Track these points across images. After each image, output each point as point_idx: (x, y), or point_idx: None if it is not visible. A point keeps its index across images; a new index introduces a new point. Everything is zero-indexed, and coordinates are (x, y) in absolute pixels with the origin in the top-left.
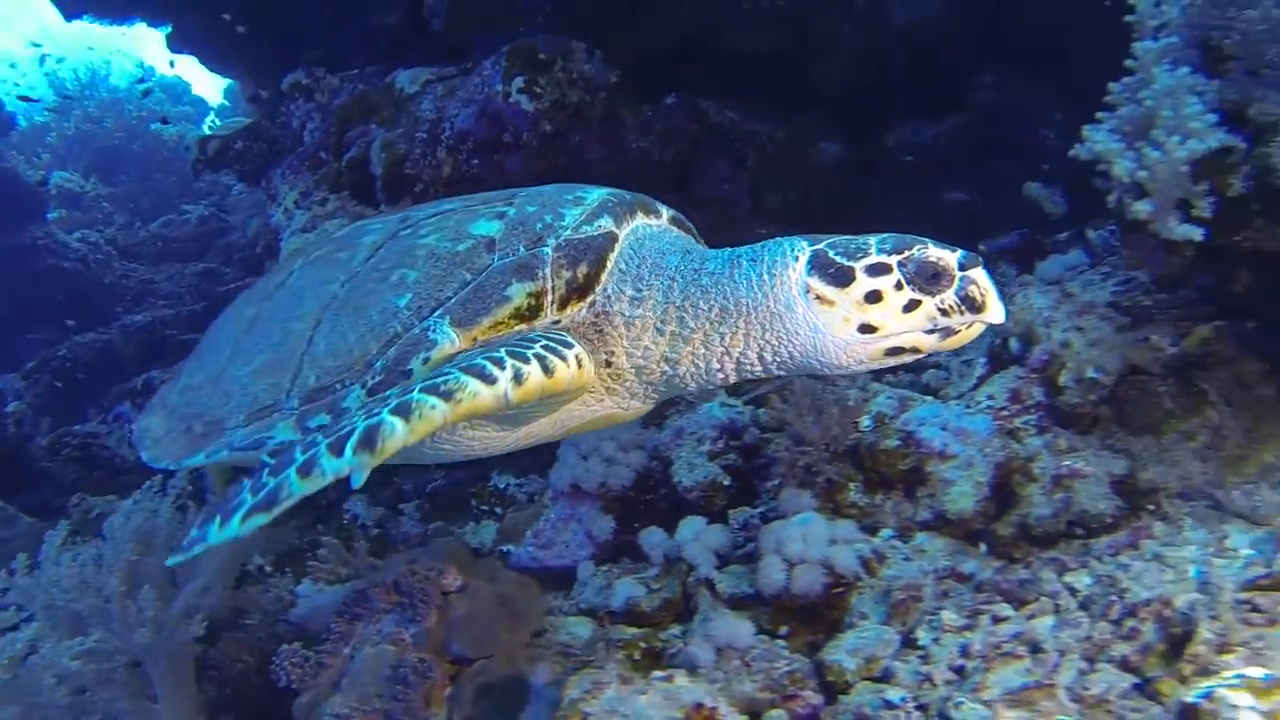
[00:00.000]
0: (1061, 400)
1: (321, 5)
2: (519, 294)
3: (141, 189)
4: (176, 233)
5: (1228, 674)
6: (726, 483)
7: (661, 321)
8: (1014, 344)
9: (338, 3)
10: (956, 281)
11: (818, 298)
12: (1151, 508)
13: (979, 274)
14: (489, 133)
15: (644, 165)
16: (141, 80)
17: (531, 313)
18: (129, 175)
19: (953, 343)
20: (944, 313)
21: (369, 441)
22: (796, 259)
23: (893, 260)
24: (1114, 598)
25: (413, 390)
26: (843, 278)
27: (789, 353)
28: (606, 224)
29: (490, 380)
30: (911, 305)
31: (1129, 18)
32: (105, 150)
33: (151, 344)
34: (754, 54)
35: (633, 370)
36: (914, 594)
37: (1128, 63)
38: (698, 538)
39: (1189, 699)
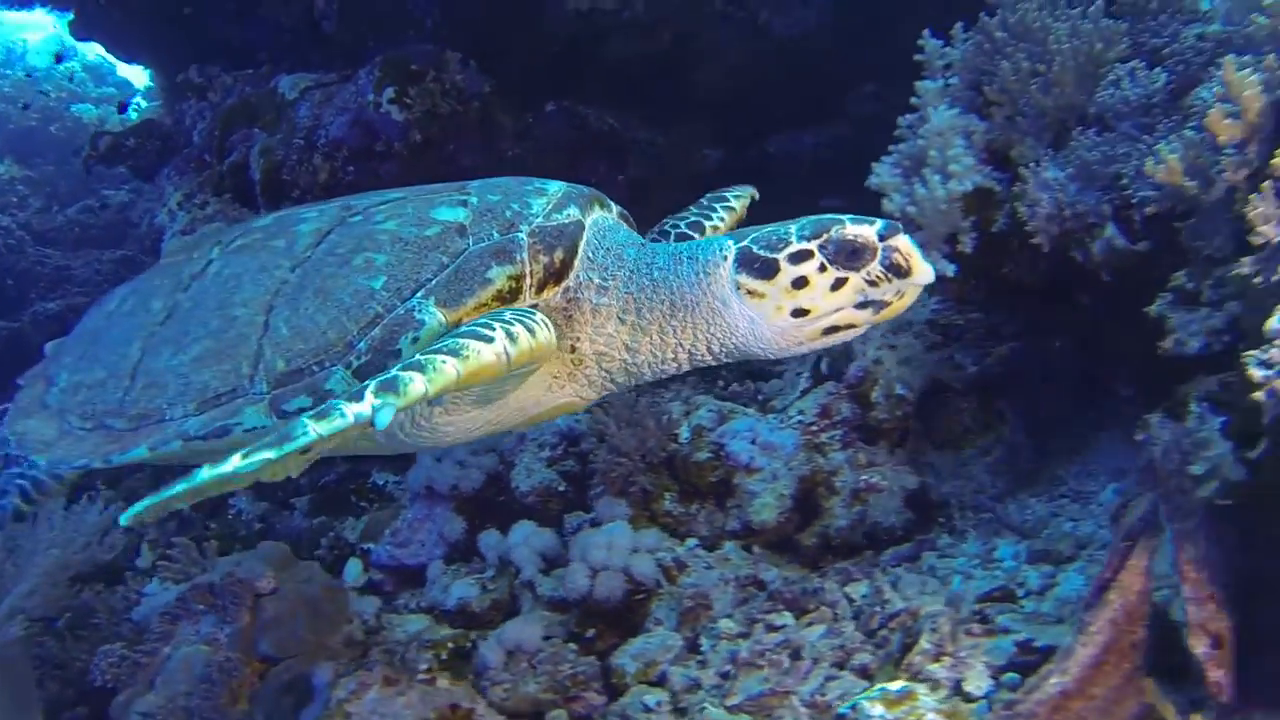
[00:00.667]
0: (871, 416)
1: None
2: (500, 276)
3: (60, 173)
4: (95, 219)
5: (875, 687)
6: (562, 488)
7: (623, 311)
8: (832, 362)
9: None
10: (879, 252)
11: (749, 292)
12: (943, 520)
13: (900, 241)
14: (362, 141)
15: (520, 173)
16: (60, 59)
17: (511, 295)
18: (46, 158)
19: (889, 313)
20: (872, 284)
21: (391, 386)
22: (724, 258)
23: (813, 245)
24: (878, 608)
25: (415, 357)
26: (768, 270)
27: (734, 343)
28: (574, 213)
29: (488, 340)
30: (838, 284)
31: (917, 57)
32: (21, 132)
33: (62, 333)
34: (635, 62)
35: (594, 356)
36: (703, 602)
37: (913, 99)
38: (525, 541)
39: (840, 710)
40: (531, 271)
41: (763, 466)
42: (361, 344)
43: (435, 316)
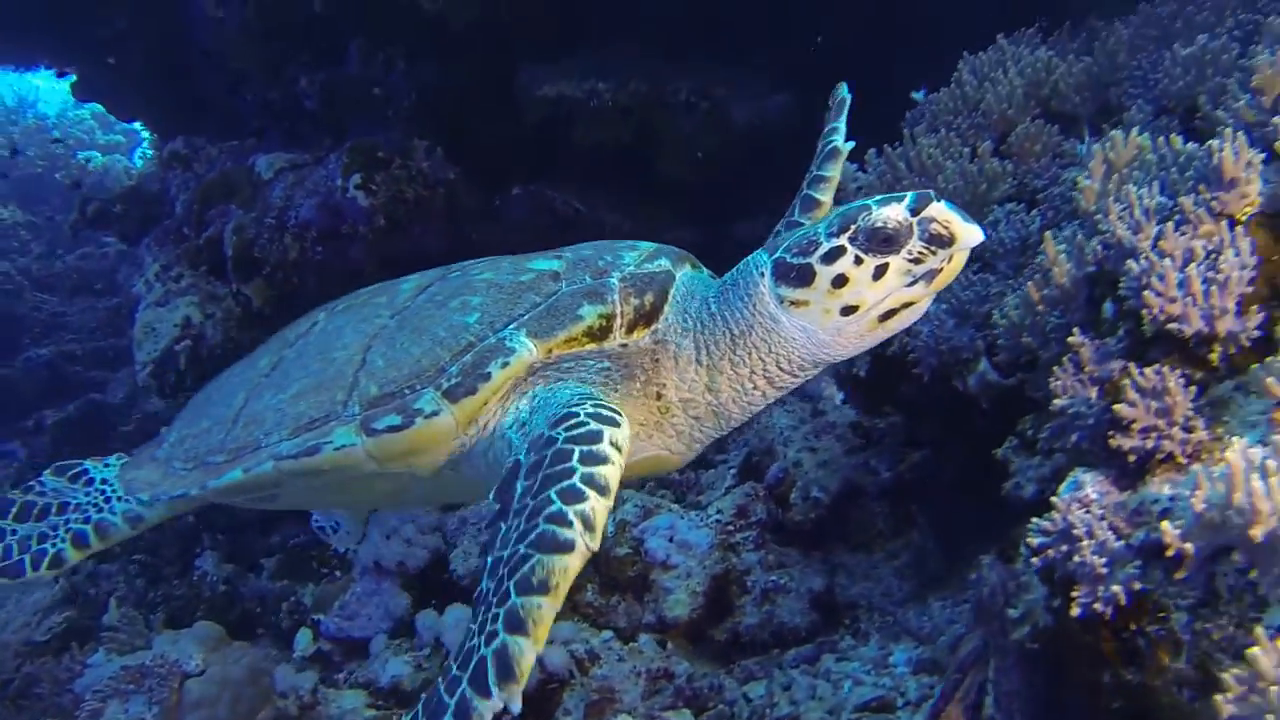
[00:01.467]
0: (787, 517)
1: (219, 71)
2: (591, 314)
3: (63, 219)
4: (94, 265)
5: None
6: None
7: (698, 353)
8: (758, 460)
9: (233, 70)
10: (915, 229)
11: (792, 303)
12: (848, 622)
13: (936, 209)
14: (329, 224)
15: (486, 254)
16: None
17: (601, 333)
18: (50, 204)
19: (943, 279)
20: (916, 260)
21: (506, 672)
22: (762, 275)
23: (843, 240)
24: (768, 710)
25: (527, 536)
26: (805, 277)
27: (799, 356)
28: (665, 264)
29: (568, 547)
30: (879, 271)
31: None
32: (27, 178)
33: (52, 380)
34: (602, 148)
35: (680, 404)
36: (609, 696)
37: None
38: (457, 624)
39: None
40: (622, 312)
41: (678, 564)
42: (453, 368)
43: (525, 345)
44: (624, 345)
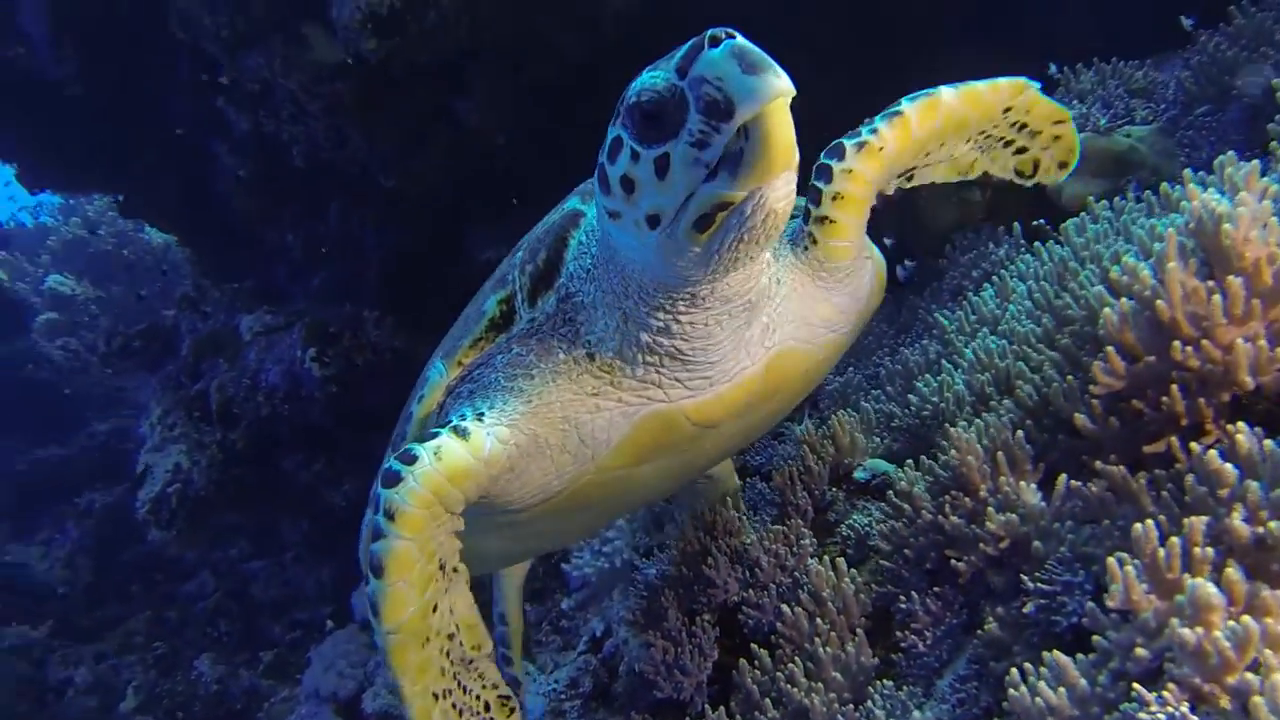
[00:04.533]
0: (613, 688)
1: (227, 209)
2: (492, 305)
3: (128, 294)
4: (147, 332)
5: None
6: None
7: (602, 297)
8: (600, 636)
9: (238, 211)
10: (688, 96)
11: (610, 215)
12: None
13: (705, 64)
14: (291, 388)
15: None
16: None
17: (505, 319)
18: (116, 280)
19: (757, 169)
20: (701, 144)
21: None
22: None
23: (619, 130)
24: None
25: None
26: (602, 181)
27: (653, 282)
28: (572, 204)
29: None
30: (660, 167)
31: None
32: (99, 255)
33: (105, 459)
34: None
35: (614, 350)
36: None
37: None
38: None
39: None
40: (520, 286)
41: None
42: (404, 414)
43: (438, 370)
44: (531, 320)
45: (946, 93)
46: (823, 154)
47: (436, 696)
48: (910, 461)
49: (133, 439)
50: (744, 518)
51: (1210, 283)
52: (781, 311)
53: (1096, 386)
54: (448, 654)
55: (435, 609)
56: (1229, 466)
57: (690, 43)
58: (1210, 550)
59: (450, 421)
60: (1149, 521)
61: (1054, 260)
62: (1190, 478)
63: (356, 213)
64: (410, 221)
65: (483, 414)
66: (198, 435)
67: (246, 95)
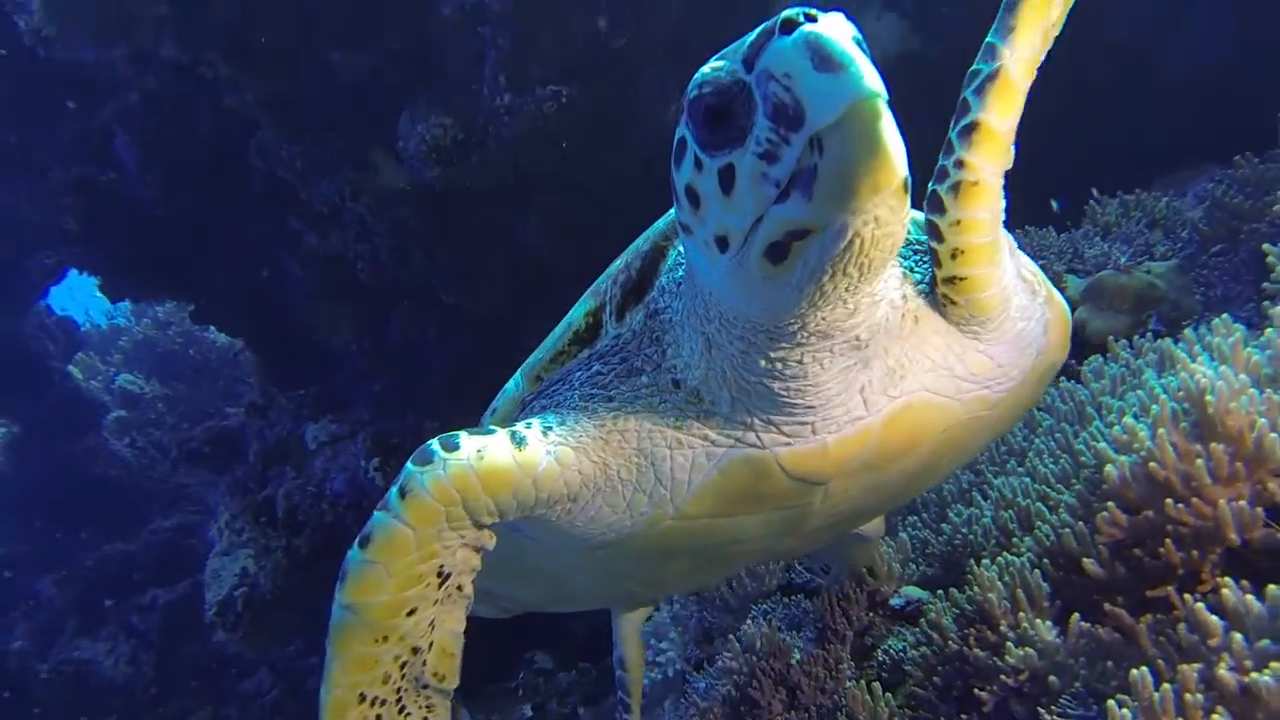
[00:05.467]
0: None
1: (295, 317)
2: (579, 315)
3: (193, 392)
4: (214, 437)
5: None
6: None
7: (688, 318)
8: None
9: (303, 320)
10: (755, 95)
11: (684, 228)
12: None
13: (772, 53)
14: (355, 497)
15: None
16: None
17: (590, 333)
18: (182, 379)
19: (833, 190)
20: (769, 156)
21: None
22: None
23: (684, 130)
24: None
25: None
26: (674, 191)
27: (731, 309)
28: (660, 228)
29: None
30: (725, 179)
31: None
32: (167, 354)
33: (169, 555)
34: None
35: (700, 379)
36: None
37: None
38: None
39: None
40: (611, 297)
41: None
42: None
43: (515, 383)
44: (617, 337)
45: (1011, 66)
46: (925, 207)
47: (364, 698)
48: (940, 591)
49: (196, 535)
50: (787, 639)
51: (1198, 446)
52: (915, 356)
53: (1101, 535)
54: (402, 665)
55: (413, 613)
56: (1215, 620)
57: (762, 26)
58: (1201, 696)
59: (515, 425)
60: (1144, 668)
61: (1074, 401)
62: (1183, 627)
63: (418, 324)
64: (470, 333)
65: (550, 428)
66: (264, 540)
67: (316, 216)
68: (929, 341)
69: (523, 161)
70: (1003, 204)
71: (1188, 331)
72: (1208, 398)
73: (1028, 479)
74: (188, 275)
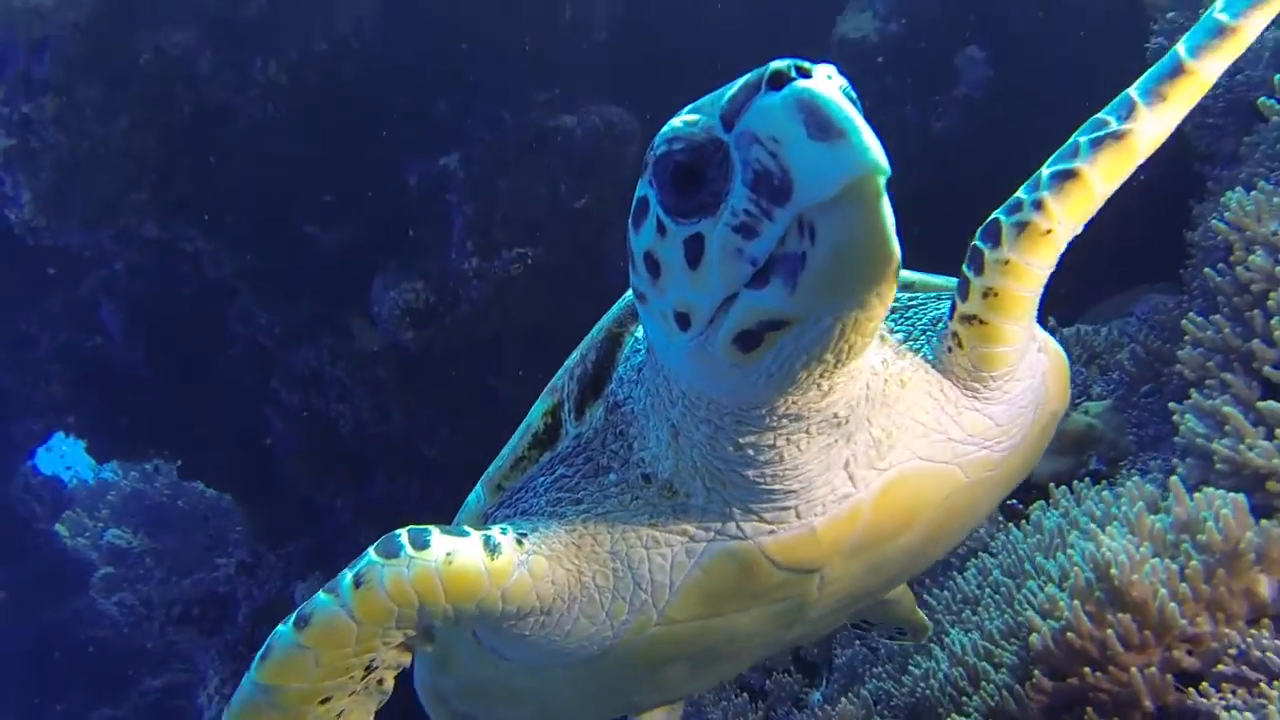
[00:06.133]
0: None
1: (281, 472)
2: (536, 415)
3: (182, 545)
4: (203, 596)
5: None
6: None
7: (651, 404)
8: None
9: (288, 476)
10: (734, 157)
11: (640, 297)
12: None
13: (757, 112)
14: None
15: None
16: None
17: (550, 434)
18: (171, 532)
19: (821, 281)
20: (746, 230)
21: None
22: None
23: (646, 189)
24: None
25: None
26: (630, 253)
27: (693, 391)
28: (614, 312)
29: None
30: (691, 250)
31: None
32: (155, 506)
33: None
34: None
35: (670, 471)
36: None
37: None
38: None
39: None
40: (568, 393)
41: None
42: None
43: (476, 495)
44: (578, 436)
45: (1142, 132)
46: (978, 233)
47: None
48: None
49: (185, 695)
50: None
51: (1111, 616)
52: (903, 423)
53: (1033, 700)
54: None
55: (327, 700)
56: None
57: (746, 78)
58: None
59: (489, 530)
60: None
61: (1016, 555)
62: None
63: (401, 478)
64: (454, 485)
65: (524, 535)
66: None
67: (298, 378)
68: (918, 405)
69: (494, 320)
70: (1053, 267)
71: (1105, 494)
72: (1112, 571)
73: (977, 634)
74: (173, 434)
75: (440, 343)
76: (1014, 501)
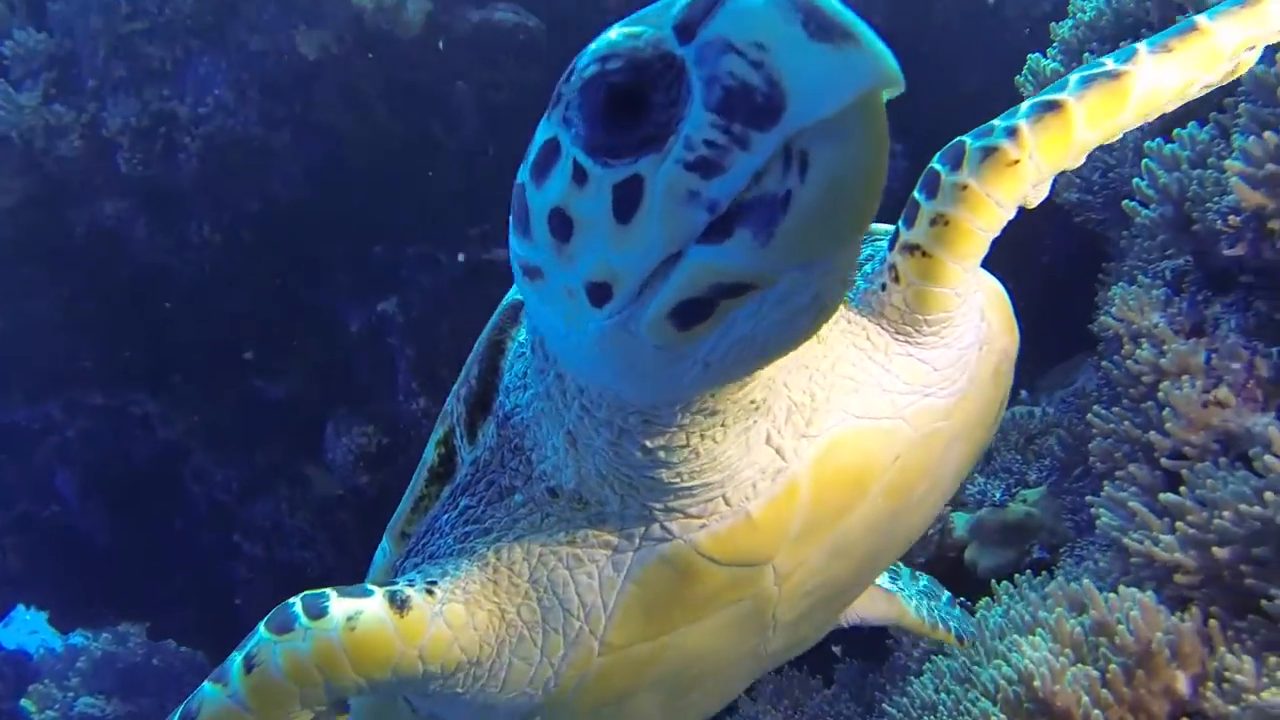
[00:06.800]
0: None
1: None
2: (429, 448)
3: (157, 707)
4: None
5: None
6: None
7: (541, 400)
8: None
9: None
10: (690, 77)
11: (527, 274)
12: None
13: (733, 11)
14: None
15: None
16: None
17: (446, 465)
18: (148, 692)
19: (815, 230)
20: (707, 166)
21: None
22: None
23: (556, 128)
24: None
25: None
26: (515, 214)
27: (596, 389)
28: (513, 294)
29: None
30: (624, 197)
31: None
32: (128, 668)
33: None
34: None
35: (575, 480)
36: None
37: None
38: None
39: None
40: (457, 418)
41: None
42: None
43: (382, 550)
44: (474, 461)
45: (1141, 74)
46: (937, 155)
47: None
48: None
49: None
50: None
51: None
52: (827, 381)
53: None
54: None
55: None
56: None
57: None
58: None
59: (395, 584)
60: None
61: (964, 657)
62: None
63: None
64: None
65: (434, 583)
66: None
67: (259, 530)
68: (843, 358)
69: None
70: (1013, 213)
71: (1034, 595)
72: (1035, 684)
73: None
74: (138, 597)
75: (395, 484)
76: (961, 599)
